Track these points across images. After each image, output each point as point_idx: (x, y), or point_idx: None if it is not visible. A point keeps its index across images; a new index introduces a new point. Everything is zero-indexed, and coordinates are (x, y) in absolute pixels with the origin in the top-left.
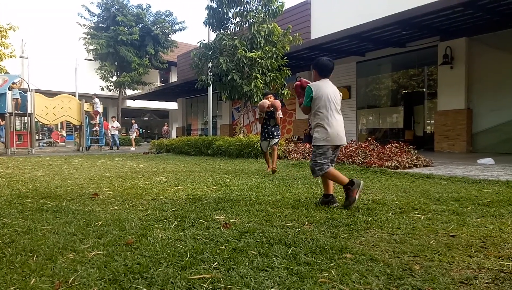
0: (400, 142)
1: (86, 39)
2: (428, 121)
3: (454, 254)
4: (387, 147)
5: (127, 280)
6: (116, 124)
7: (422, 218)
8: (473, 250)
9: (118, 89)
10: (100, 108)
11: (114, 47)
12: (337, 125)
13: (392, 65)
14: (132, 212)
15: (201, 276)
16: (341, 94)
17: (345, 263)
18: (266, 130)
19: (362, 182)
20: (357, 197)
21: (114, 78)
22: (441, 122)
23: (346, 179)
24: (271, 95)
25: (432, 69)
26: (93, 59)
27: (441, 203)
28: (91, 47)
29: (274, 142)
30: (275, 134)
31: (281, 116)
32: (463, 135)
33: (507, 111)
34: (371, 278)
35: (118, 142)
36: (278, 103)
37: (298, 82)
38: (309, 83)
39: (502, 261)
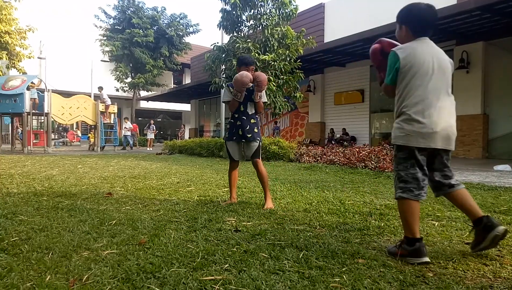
0: None
1: (102, 41)
2: None
3: (469, 262)
4: None
5: (140, 280)
6: (129, 124)
7: (436, 224)
8: (488, 259)
9: (132, 90)
10: (115, 108)
11: (129, 48)
12: (440, 114)
13: None
14: (145, 212)
15: (212, 277)
16: (452, 63)
17: (357, 268)
18: (238, 122)
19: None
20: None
21: (129, 80)
22: (456, 127)
23: (417, 233)
24: (252, 66)
25: None
26: (108, 60)
27: (456, 209)
28: (107, 48)
29: (254, 149)
30: (254, 131)
31: (265, 99)
32: (479, 140)
33: None
34: (384, 284)
35: (131, 142)
36: (263, 76)
37: (377, 45)
38: (394, 45)
39: None
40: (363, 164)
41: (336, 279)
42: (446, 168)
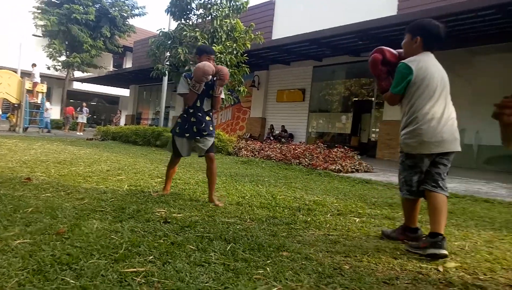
0: (345, 147)
1: (36, 14)
2: (373, 129)
3: (381, 256)
4: (333, 151)
5: (53, 271)
6: (48, 104)
7: (357, 220)
8: (398, 253)
9: (66, 69)
10: (44, 88)
11: (66, 25)
12: (447, 122)
13: (346, 73)
14: (67, 200)
15: (134, 269)
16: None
17: (281, 261)
18: (192, 119)
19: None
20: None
21: (63, 58)
22: (385, 131)
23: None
24: (213, 56)
25: None
26: (41, 35)
27: (376, 207)
28: (41, 22)
29: (210, 143)
30: (210, 128)
31: (223, 96)
32: None
33: None
34: (304, 276)
35: (49, 125)
36: (226, 70)
37: (378, 54)
38: (398, 56)
39: (421, 264)
40: (298, 161)
41: (260, 271)
42: (444, 169)
